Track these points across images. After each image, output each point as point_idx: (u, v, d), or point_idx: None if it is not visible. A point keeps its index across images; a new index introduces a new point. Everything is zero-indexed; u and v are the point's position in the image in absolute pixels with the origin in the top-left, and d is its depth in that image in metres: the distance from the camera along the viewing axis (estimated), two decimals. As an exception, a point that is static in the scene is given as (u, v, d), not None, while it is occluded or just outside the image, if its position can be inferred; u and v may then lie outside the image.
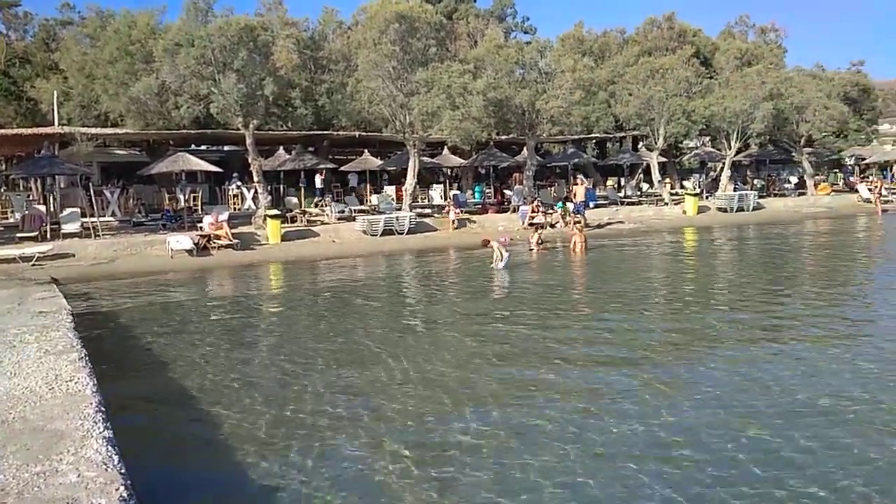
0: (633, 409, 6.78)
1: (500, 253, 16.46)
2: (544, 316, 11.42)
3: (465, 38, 37.30)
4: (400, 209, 25.92)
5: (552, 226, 25.40)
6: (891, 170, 42.28)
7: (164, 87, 22.73)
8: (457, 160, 32.23)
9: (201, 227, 21.30)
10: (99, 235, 20.73)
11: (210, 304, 14.00)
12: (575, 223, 20.80)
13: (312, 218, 25.76)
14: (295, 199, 27.65)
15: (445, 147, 31.09)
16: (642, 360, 8.47)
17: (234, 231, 21.51)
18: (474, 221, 26.45)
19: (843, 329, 9.66)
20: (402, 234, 23.74)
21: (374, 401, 7.38)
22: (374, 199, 28.60)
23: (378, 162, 30.38)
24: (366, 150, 30.44)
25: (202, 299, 14.51)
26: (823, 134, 34.84)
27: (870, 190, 33.85)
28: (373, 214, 25.50)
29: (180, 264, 18.91)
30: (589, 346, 9.21)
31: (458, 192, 30.98)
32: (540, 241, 20.53)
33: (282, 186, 28.55)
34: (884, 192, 32.74)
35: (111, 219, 23.58)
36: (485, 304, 12.86)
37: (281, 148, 28.74)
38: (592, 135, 35.78)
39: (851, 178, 39.90)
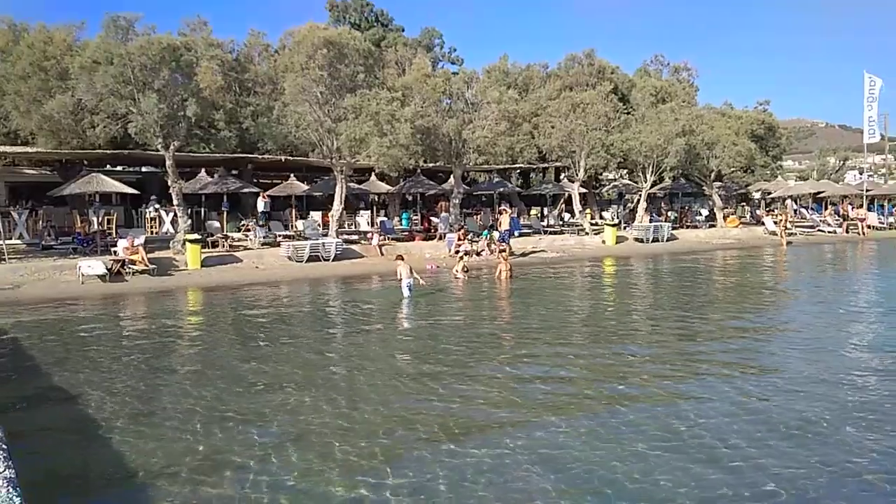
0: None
1: (404, 273, 16.35)
2: (466, 347, 11.52)
3: (394, 66, 37.56)
4: (326, 235, 25.69)
5: (478, 254, 25.76)
6: (795, 203, 45.27)
7: (79, 105, 21.82)
8: (384, 187, 32.32)
9: (115, 252, 20.43)
10: (4, 259, 19.55)
11: (119, 332, 13.38)
12: (500, 251, 21.16)
13: (235, 243, 25.14)
14: (217, 224, 26.95)
15: (373, 173, 31.13)
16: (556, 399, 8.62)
17: (150, 256, 20.74)
18: (391, 245, 26.50)
19: (753, 363, 9.98)
20: (328, 260, 23.50)
21: (282, 429, 7.25)
22: (299, 224, 28.23)
23: (304, 187, 30.08)
24: (292, 175, 30.11)
25: (111, 327, 13.84)
26: (732, 169, 36.86)
27: (775, 223, 36.07)
28: (298, 240, 25.14)
29: (91, 291, 18.02)
30: (506, 384, 9.15)
31: (385, 218, 31.00)
32: (466, 269, 20.77)
33: (203, 210, 27.80)
34: (788, 225, 34.86)
35: (18, 242, 22.31)
36: (406, 333, 12.86)
37: (203, 170, 28.04)
38: (517, 165, 36.66)
39: (758, 212, 42.43)
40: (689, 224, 38.18)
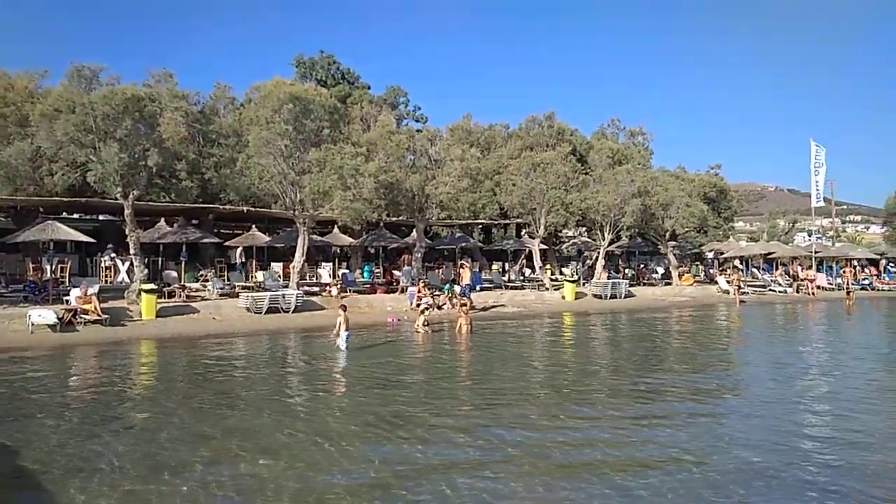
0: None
1: (341, 326, 16.44)
2: (424, 405, 11.50)
3: (359, 122, 38.29)
4: (287, 286, 25.50)
5: (439, 307, 25.84)
6: (746, 264, 46.71)
7: (38, 152, 21.61)
8: (347, 239, 32.39)
9: (68, 301, 19.93)
10: (-53, 307, 18.88)
11: (64, 384, 12.96)
12: (461, 305, 21.29)
13: (192, 293, 24.76)
14: (174, 273, 26.55)
15: (336, 226, 31.22)
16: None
17: (105, 305, 20.27)
18: (351, 297, 26.41)
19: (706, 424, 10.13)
20: (287, 311, 23.26)
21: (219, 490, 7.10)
22: (259, 275, 27.99)
23: (266, 238, 29.96)
24: (253, 226, 30.00)
25: (56, 379, 13.39)
26: (686, 229, 38.08)
27: (728, 282, 37.12)
28: (258, 291, 24.89)
29: (41, 340, 17.46)
30: (460, 443, 9.03)
31: (346, 270, 30.96)
32: (426, 323, 20.79)
33: (161, 259, 27.41)
34: (741, 284, 35.86)
35: (-35, 289, 21.60)
36: (362, 389, 12.74)
37: (162, 220, 27.77)
38: (479, 220, 37.24)
39: (711, 271, 43.62)
40: (645, 282, 38.97)
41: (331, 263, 32.22)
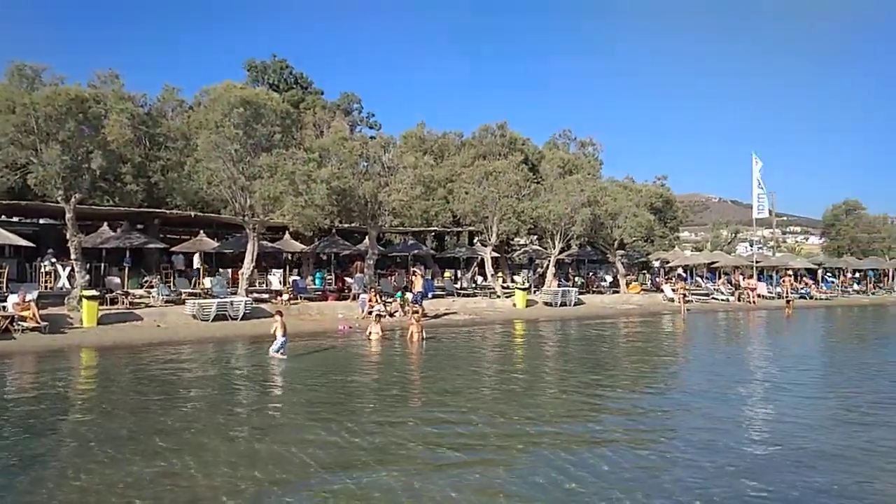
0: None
1: (279, 330, 16.36)
2: (377, 409, 11.50)
3: (312, 128, 38.04)
4: (235, 293, 25.09)
5: (391, 315, 25.80)
6: (691, 273, 48.02)
7: (-27, 154, 20.75)
8: (298, 245, 32.06)
9: (4, 307, 19.18)
10: None
11: None
12: (413, 313, 21.32)
13: (136, 300, 24.12)
14: (117, 280, 25.83)
15: (287, 232, 30.90)
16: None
17: (44, 312, 19.59)
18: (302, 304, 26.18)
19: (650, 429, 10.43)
20: (236, 319, 22.88)
21: None
22: (207, 281, 27.45)
23: (214, 244, 29.42)
24: (201, 231, 29.44)
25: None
26: (633, 238, 39.00)
27: (673, 290, 38.11)
28: (205, 298, 24.41)
29: (-27, 348, 16.76)
30: (403, 448, 9.13)
31: (297, 277, 30.63)
32: (379, 330, 20.73)
33: (104, 265, 26.62)
34: (682, 293, 36.86)
35: None
36: (310, 397, 12.66)
37: (106, 224, 27.01)
38: (432, 228, 37.36)
39: (658, 279, 44.72)
40: (594, 290, 39.69)
41: (282, 270, 31.83)
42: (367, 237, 30.94)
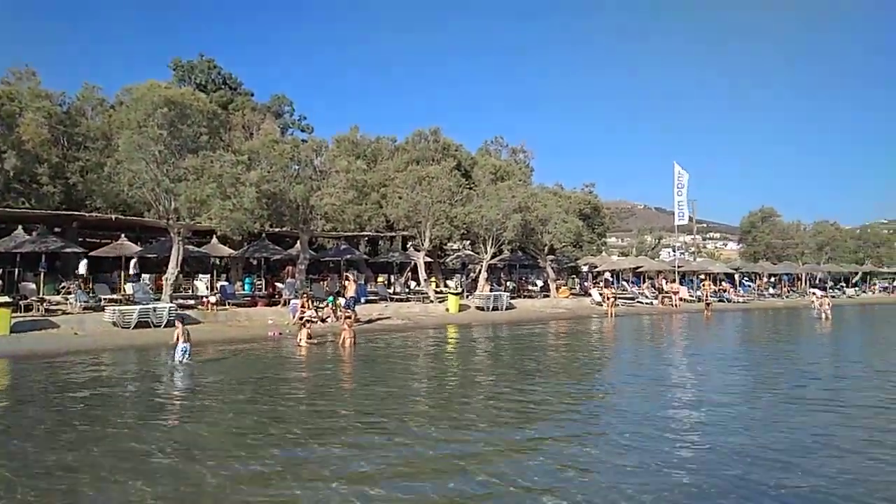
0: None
1: (180, 337, 16.17)
2: (308, 422, 11.33)
3: (241, 130, 37.20)
4: (159, 300, 24.22)
5: (322, 320, 25.48)
6: (617, 277, 49.46)
7: None
8: (226, 250, 31.24)
9: None
10: None
11: None
12: (345, 318, 21.12)
13: (52, 307, 22.95)
14: (32, 286, 24.51)
15: (214, 236, 30.07)
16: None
17: (-53, 320, 18.38)
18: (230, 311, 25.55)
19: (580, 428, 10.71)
20: (159, 326, 22.07)
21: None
22: (128, 287, 26.38)
23: (136, 248, 28.31)
24: (123, 235, 28.26)
25: None
26: (563, 244, 39.84)
27: (601, 294, 39.18)
28: (126, 304, 23.46)
29: None
30: (329, 460, 9.06)
31: (226, 283, 29.84)
32: (309, 336, 20.44)
33: (17, 270, 25.21)
34: (610, 297, 37.95)
35: None
36: (239, 408, 12.37)
37: (20, 227, 25.59)
38: (365, 233, 37.12)
39: (586, 284, 45.86)
40: (525, 294, 40.34)
41: (209, 275, 30.93)
42: (298, 242, 30.46)
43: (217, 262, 33.86)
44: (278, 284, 30.56)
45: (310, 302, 25.79)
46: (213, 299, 25.85)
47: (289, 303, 26.85)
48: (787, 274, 59.63)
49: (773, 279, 59.09)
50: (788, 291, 56.40)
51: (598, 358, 19.87)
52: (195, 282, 29.60)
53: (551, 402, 12.52)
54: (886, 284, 70.19)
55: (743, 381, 15.50)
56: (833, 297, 46.89)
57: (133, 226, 28.30)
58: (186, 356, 16.07)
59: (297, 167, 28.74)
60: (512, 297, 36.41)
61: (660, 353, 21.13)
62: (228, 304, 26.77)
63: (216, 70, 47.02)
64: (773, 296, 53.82)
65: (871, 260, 69.09)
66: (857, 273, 66.61)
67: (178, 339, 16.19)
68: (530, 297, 40.02)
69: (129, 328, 21.35)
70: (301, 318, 23.21)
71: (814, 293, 48.90)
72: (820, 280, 63.79)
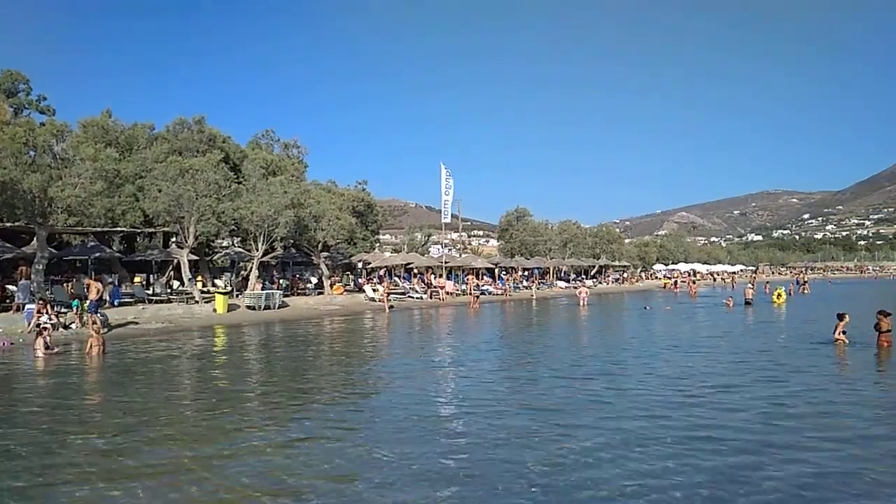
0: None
1: None
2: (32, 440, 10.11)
3: (-41, 107, 31.64)
4: None
5: (66, 327, 22.74)
6: (390, 273, 50.84)
7: None
8: (-63, 248, 26.42)
9: None
10: None
11: None
12: (92, 324, 19.04)
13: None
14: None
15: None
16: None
17: None
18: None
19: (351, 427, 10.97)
20: None
21: None
22: None
23: None
24: None
25: None
26: (337, 241, 39.98)
27: (374, 290, 40.02)
28: None
29: None
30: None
31: (-64, 287, 25.23)
32: (48, 346, 18.10)
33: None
34: (386, 292, 38.93)
35: None
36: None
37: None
38: (118, 228, 33.78)
39: (360, 280, 46.52)
40: (299, 291, 39.79)
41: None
42: (35, 238, 26.75)
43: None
44: (10, 287, 26.58)
45: (50, 306, 22.90)
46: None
47: (23, 308, 23.52)
48: (538, 268, 66.23)
49: (526, 272, 65.15)
50: (538, 284, 62.62)
51: (374, 351, 20.29)
52: None
53: (322, 400, 12.55)
54: (618, 276, 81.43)
55: (504, 360, 16.94)
56: (588, 287, 53.40)
57: None
58: None
59: (32, 153, 25.24)
60: (286, 295, 35.68)
61: (435, 342, 22.20)
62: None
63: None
64: (525, 288, 59.29)
65: (605, 255, 79.54)
66: (594, 266, 76.12)
67: None
68: (304, 294, 39.55)
69: None
70: (38, 325, 20.50)
71: (582, 283, 54.81)
72: (564, 273, 71.85)
